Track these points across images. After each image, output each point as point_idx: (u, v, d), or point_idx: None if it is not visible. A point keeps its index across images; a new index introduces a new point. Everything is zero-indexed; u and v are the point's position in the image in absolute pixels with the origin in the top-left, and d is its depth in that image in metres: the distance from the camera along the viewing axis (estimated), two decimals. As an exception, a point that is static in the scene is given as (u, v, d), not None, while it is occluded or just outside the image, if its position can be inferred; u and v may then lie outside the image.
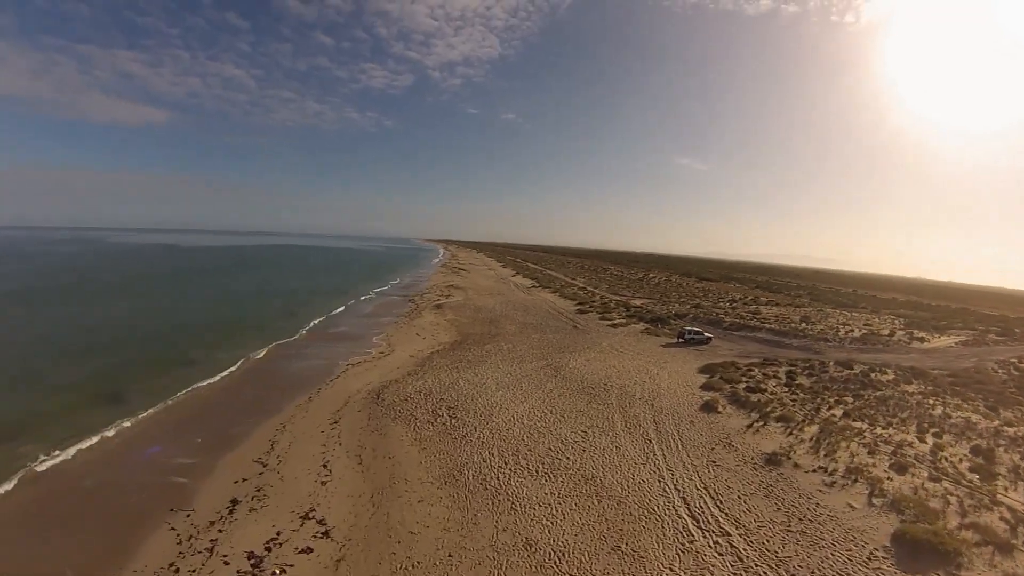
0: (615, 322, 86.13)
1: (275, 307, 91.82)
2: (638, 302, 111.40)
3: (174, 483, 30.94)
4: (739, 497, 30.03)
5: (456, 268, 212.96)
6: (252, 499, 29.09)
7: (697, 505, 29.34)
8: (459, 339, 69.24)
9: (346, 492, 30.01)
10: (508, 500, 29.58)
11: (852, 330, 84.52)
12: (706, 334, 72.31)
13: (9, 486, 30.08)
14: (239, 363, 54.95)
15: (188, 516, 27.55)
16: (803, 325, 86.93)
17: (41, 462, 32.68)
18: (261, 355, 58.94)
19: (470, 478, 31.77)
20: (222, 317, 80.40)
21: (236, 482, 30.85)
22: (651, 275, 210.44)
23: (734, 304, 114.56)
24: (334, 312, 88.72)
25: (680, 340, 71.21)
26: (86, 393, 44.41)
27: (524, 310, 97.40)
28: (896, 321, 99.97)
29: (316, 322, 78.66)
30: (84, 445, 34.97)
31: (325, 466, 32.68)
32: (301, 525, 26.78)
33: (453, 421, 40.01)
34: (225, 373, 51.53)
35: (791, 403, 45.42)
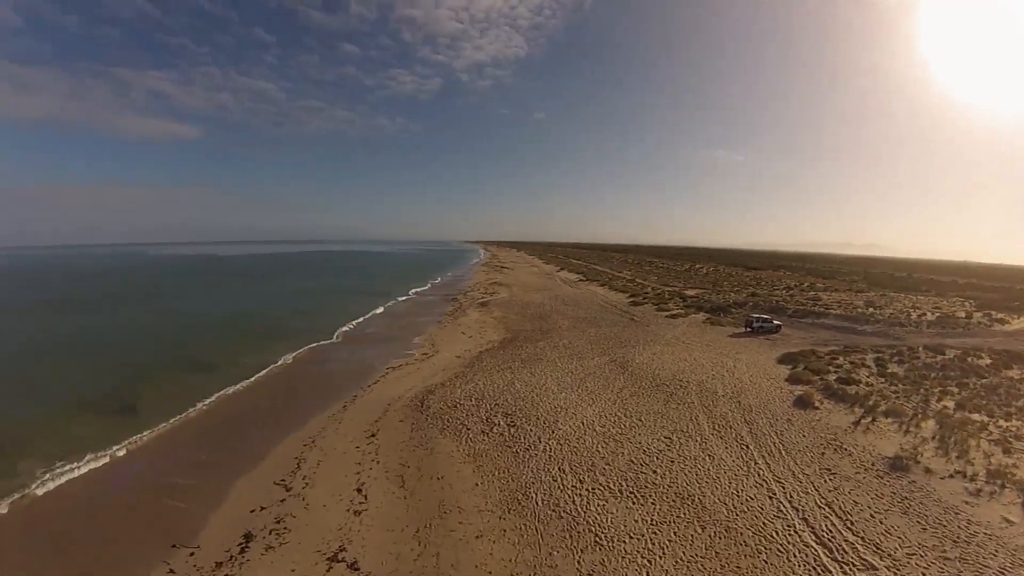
0: (673, 313, 78.51)
1: (309, 310, 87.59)
2: (692, 292, 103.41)
3: (178, 511, 25.48)
4: (872, 515, 24.04)
5: (498, 266, 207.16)
6: (269, 533, 23.24)
7: (824, 528, 22.92)
8: (509, 337, 62.83)
9: (385, 524, 23.82)
10: (590, 531, 22.95)
11: (924, 313, 75.08)
12: (775, 321, 65.91)
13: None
14: (267, 369, 50.07)
15: (191, 554, 22.09)
16: (870, 310, 77.68)
17: (37, 484, 28.05)
18: (291, 360, 53.93)
19: (539, 503, 25.17)
20: (252, 322, 76.58)
21: (252, 511, 25.11)
22: (697, 266, 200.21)
23: (790, 291, 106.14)
24: (372, 314, 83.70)
25: (748, 329, 65.06)
26: (102, 403, 40.17)
27: (574, 304, 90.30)
28: (967, 303, 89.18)
29: (353, 324, 73.84)
30: (85, 465, 30.12)
31: (360, 490, 26.58)
32: (328, 570, 20.80)
33: (512, 430, 33.35)
34: (251, 380, 46.54)
35: (893, 395, 39.67)
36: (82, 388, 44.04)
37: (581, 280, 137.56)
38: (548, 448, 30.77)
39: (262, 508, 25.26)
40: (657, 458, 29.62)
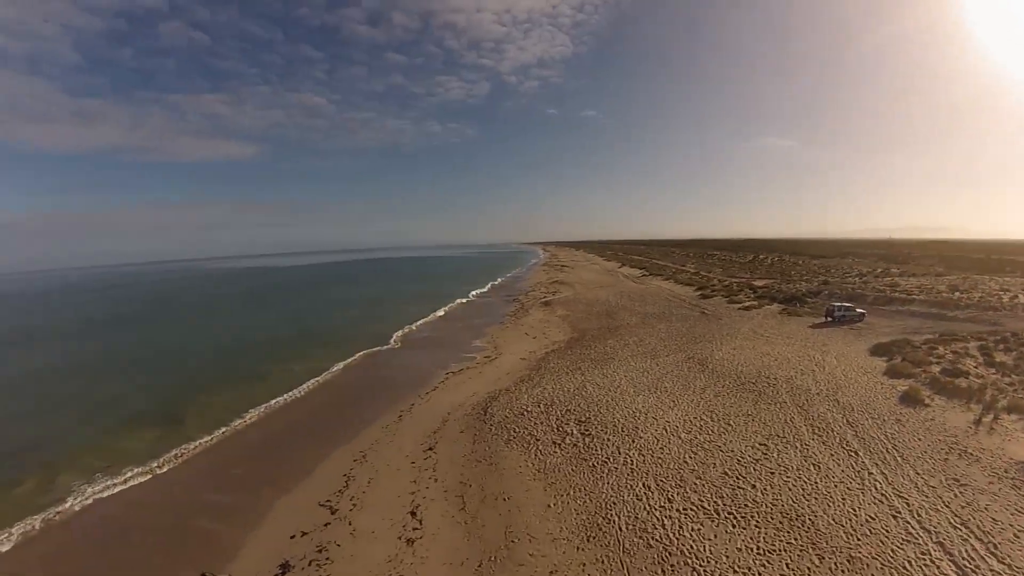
0: (746, 304, 71.67)
1: (366, 316, 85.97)
2: (761, 283, 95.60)
3: (213, 534, 22.74)
4: (1015, 535, 19.37)
5: (558, 265, 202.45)
6: (309, 564, 20.02)
7: (964, 555, 18.29)
8: (575, 336, 58.29)
9: (442, 556, 20.02)
10: (687, 563, 18.59)
11: (1016, 296, 65.10)
12: (858, 310, 59.58)
13: (28, 531, 23.64)
14: (320, 377, 47.87)
15: (222, 589, 19.10)
16: (956, 294, 68.12)
17: (75, 499, 26.44)
18: (344, 368, 51.39)
19: (623, 528, 20.74)
20: (307, 329, 75.53)
21: (292, 536, 22.01)
22: (760, 256, 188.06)
23: (863, 277, 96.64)
24: (431, 317, 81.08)
25: (829, 319, 59.05)
26: (151, 417, 39.05)
27: (641, 300, 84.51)
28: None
29: (411, 327, 71.38)
30: (126, 481, 28.26)
31: (414, 514, 22.92)
32: (376, 615, 17.23)
33: (587, 440, 28.85)
34: (302, 390, 44.32)
35: (1010, 388, 34.07)
36: (134, 401, 43.42)
37: (645, 275, 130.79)
38: (629, 460, 26.17)
39: (303, 533, 22.07)
40: (754, 469, 24.60)
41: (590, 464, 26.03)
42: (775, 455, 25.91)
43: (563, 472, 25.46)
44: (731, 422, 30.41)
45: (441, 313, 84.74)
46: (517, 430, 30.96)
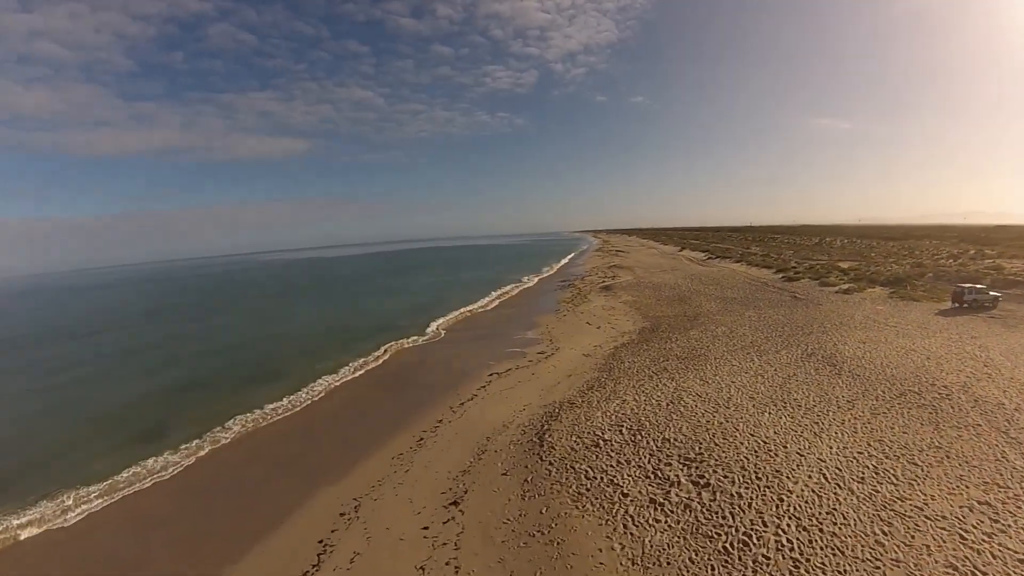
0: (843, 288, 58.99)
1: (409, 305, 77.05)
2: (845, 264, 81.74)
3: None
4: None
5: (612, 250, 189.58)
6: None
7: None
8: (648, 325, 47.22)
9: None
10: None
11: None
12: (992, 292, 48.47)
13: None
14: (338, 374, 39.12)
15: None
16: None
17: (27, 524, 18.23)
18: (356, 375, 41.54)
19: None
20: (343, 320, 67.42)
21: None
22: (826, 239, 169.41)
23: (957, 259, 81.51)
24: (477, 305, 71.45)
25: (959, 304, 48.71)
26: (125, 425, 30.65)
27: (715, 283, 72.04)
28: None
29: (454, 315, 62.24)
30: (80, 511, 19.68)
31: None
32: None
33: (705, 496, 17.85)
34: (313, 391, 35.56)
35: None
36: (112, 408, 35.42)
37: (709, 258, 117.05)
38: (783, 539, 15.32)
39: None
40: (995, 557, 13.43)
41: (719, 547, 15.32)
42: (1015, 522, 14.67)
43: (676, 565, 14.89)
44: (916, 460, 19.22)
45: (490, 300, 75.02)
46: (591, 474, 20.26)
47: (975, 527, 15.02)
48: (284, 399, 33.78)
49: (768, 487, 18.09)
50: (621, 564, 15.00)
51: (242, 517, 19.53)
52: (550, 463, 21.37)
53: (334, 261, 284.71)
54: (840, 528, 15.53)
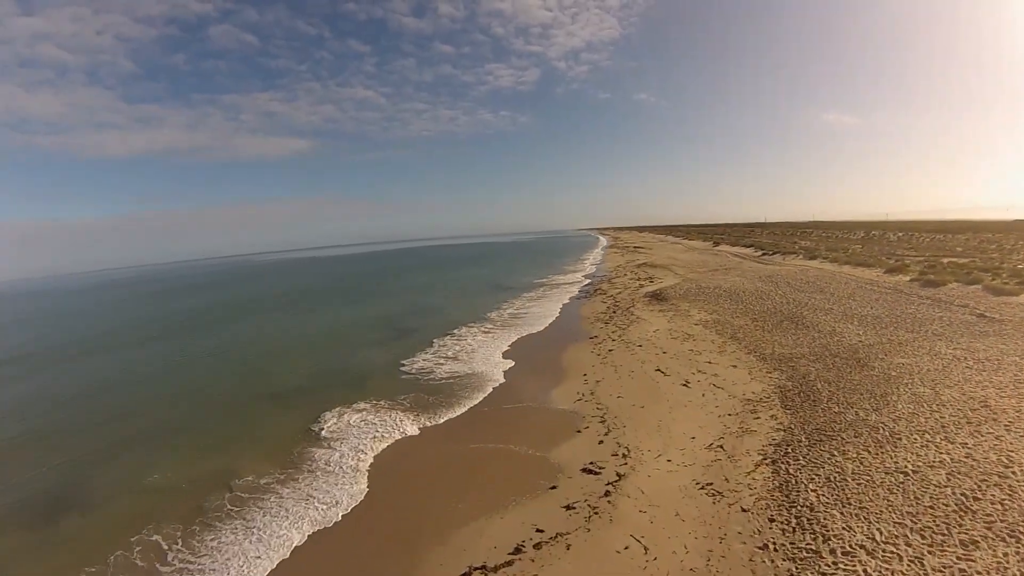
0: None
1: (391, 329, 55.12)
2: (954, 261, 60.53)
3: None
4: None
5: (630, 247, 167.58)
6: None
7: None
8: (782, 376, 25.32)
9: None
10: None
11: None
12: None
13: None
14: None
15: None
16: None
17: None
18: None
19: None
20: (298, 354, 45.04)
21: None
22: (872, 233, 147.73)
23: None
24: (466, 331, 47.44)
25: None
26: None
27: (815, 289, 50.17)
28: None
29: (426, 358, 39.32)
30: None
31: None
32: None
33: None
34: None
35: None
36: None
37: (764, 254, 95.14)
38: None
39: None
40: None
41: None
42: None
43: None
44: None
45: (483, 328, 50.85)
46: None
47: None
48: None
49: None
50: None
51: None
52: None
53: (327, 261, 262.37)
54: None
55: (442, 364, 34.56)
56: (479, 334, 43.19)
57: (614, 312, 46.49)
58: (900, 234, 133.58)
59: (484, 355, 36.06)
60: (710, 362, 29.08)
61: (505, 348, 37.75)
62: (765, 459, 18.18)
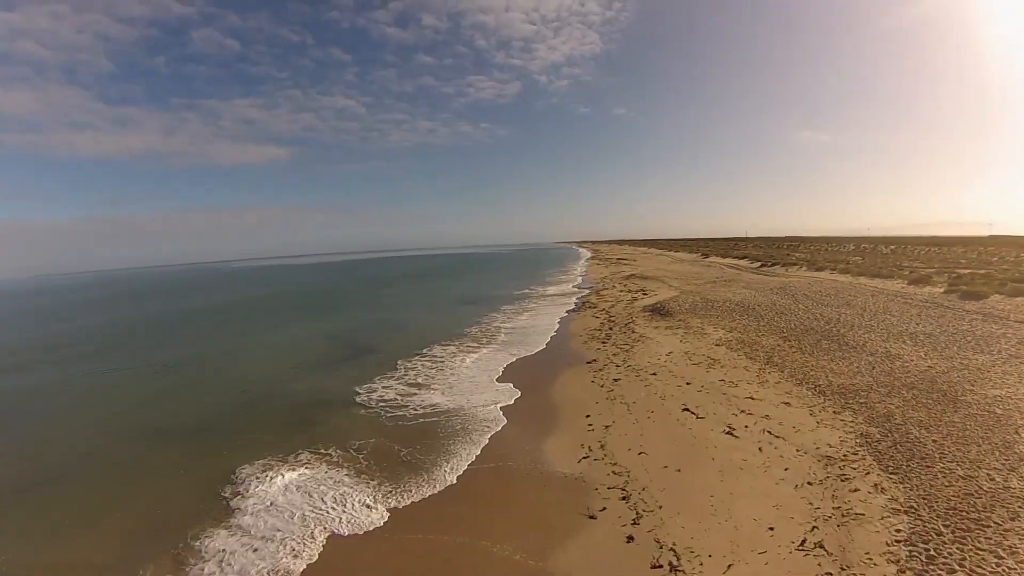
0: None
1: (350, 343, 47.24)
2: (965, 271, 55.58)
3: None
4: None
5: (612, 259, 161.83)
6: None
7: None
8: (858, 424, 18.70)
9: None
10: None
11: None
12: None
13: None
14: None
15: None
16: None
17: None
18: None
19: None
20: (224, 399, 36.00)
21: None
22: (863, 246, 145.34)
23: None
24: (440, 351, 39.97)
25: None
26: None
27: (843, 303, 43.60)
28: None
29: (391, 385, 30.89)
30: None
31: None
32: None
33: None
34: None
35: None
36: None
37: (763, 265, 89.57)
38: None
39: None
40: None
41: None
42: None
43: None
44: None
45: (462, 347, 42.68)
46: None
47: None
48: None
49: None
50: None
51: None
52: None
53: (300, 270, 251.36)
54: None
55: (412, 395, 27.05)
56: (458, 353, 35.87)
57: (611, 329, 39.44)
58: (893, 247, 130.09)
59: (463, 383, 28.70)
60: (752, 397, 22.10)
61: (498, 372, 30.38)
62: (902, 572, 11.15)
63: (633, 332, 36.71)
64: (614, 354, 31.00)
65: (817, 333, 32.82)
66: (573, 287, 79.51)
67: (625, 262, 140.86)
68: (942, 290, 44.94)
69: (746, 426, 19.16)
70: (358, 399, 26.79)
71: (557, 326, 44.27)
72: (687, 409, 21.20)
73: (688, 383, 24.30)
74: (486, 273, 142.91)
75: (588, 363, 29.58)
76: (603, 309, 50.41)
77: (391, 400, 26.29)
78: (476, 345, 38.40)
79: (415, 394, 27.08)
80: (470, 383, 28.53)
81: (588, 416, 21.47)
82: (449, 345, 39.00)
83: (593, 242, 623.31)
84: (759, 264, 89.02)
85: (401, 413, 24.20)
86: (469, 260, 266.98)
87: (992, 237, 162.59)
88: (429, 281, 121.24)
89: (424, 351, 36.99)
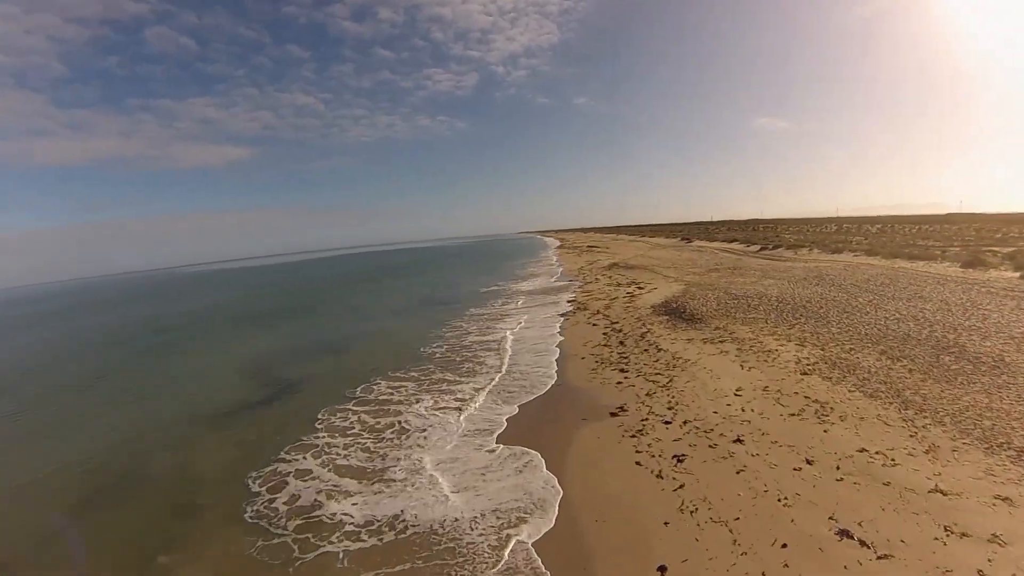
0: None
1: (274, 378, 35.49)
2: (1004, 248, 48.53)
3: None
4: None
5: (583, 247, 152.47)
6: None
7: None
8: None
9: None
10: None
11: None
12: None
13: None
14: None
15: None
16: None
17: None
18: None
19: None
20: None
21: None
22: (845, 227, 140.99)
23: None
24: (388, 389, 29.45)
25: None
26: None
27: (913, 295, 34.42)
28: None
29: (314, 466, 20.55)
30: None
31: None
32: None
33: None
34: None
35: None
36: None
37: (763, 249, 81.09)
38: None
39: None
40: None
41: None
42: None
43: None
44: None
45: (418, 385, 31.56)
46: None
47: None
48: None
49: None
50: None
51: None
52: None
53: (260, 271, 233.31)
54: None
55: (339, 486, 16.07)
56: (418, 393, 24.77)
57: (622, 343, 28.95)
58: (878, 226, 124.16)
59: (414, 457, 17.76)
60: (940, 490, 11.91)
61: (487, 441, 19.55)
62: None
63: (659, 349, 26.34)
64: (648, 392, 20.50)
65: (920, 342, 23.14)
66: (552, 281, 68.84)
67: (598, 250, 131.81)
68: (1019, 275, 36.13)
69: (980, 571, 8.92)
70: (238, 508, 15.66)
71: (544, 340, 33.56)
72: (847, 534, 10.88)
73: (808, 460, 13.97)
74: (454, 268, 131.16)
75: (613, 414, 18.96)
76: (598, 311, 40.08)
77: (308, 503, 15.28)
78: (447, 379, 27.34)
79: (355, 493, 16.08)
80: (419, 449, 17.63)
81: (664, 570, 10.84)
82: (410, 372, 27.97)
83: (557, 231, 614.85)
84: (758, 247, 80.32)
85: (320, 531, 13.27)
86: (434, 254, 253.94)
87: (971, 215, 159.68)
88: (393, 279, 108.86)
89: (371, 385, 25.91)
